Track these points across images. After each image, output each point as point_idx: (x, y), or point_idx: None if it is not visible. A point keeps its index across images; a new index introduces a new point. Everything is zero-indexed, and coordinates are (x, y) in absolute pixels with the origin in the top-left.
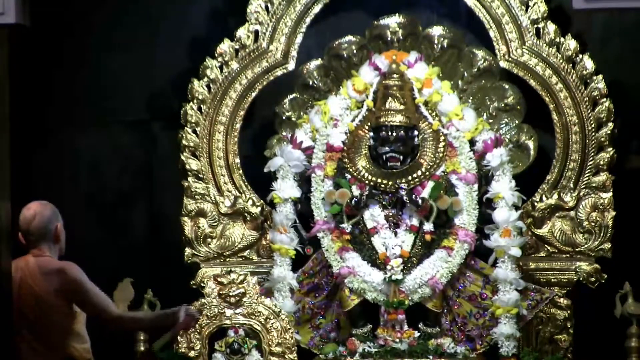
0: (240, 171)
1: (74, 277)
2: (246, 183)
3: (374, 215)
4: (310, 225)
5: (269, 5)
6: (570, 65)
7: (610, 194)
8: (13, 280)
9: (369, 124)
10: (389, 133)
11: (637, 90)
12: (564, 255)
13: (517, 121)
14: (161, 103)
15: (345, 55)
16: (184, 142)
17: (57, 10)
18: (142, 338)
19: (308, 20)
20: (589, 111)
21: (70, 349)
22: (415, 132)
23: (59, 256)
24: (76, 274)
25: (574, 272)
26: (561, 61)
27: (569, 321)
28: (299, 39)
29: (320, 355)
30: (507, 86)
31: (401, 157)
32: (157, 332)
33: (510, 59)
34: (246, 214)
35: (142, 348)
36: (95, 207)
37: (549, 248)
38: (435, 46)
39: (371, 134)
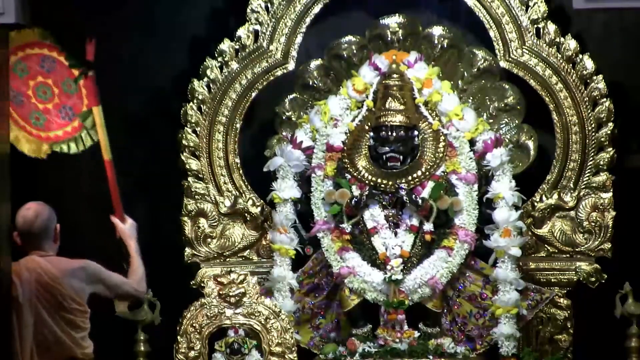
0: (240, 171)
1: (96, 271)
2: (246, 183)
3: (374, 215)
4: (310, 225)
5: (269, 5)
6: (570, 65)
7: (610, 194)
8: (25, 281)
9: (369, 124)
10: (389, 133)
11: (637, 91)
12: (564, 255)
13: (517, 121)
14: (161, 103)
15: (345, 55)
16: (184, 142)
17: (57, 10)
18: (142, 338)
19: (308, 20)
20: (589, 111)
21: (74, 350)
22: (415, 132)
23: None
24: (96, 267)
25: (574, 272)
26: (561, 61)
27: (569, 321)
28: (299, 39)
29: (320, 355)
30: (507, 86)
31: (401, 157)
32: None
33: (510, 59)
34: (246, 214)
35: (142, 348)
36: (95, 207)
37: (549, 248)
38: (435, 46)
39: (371, 134)
